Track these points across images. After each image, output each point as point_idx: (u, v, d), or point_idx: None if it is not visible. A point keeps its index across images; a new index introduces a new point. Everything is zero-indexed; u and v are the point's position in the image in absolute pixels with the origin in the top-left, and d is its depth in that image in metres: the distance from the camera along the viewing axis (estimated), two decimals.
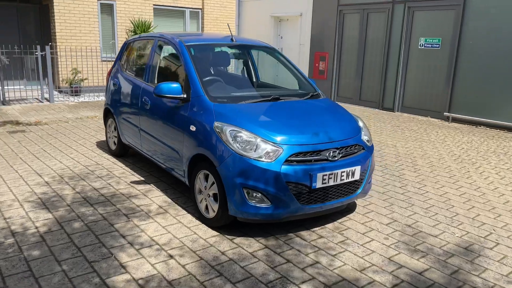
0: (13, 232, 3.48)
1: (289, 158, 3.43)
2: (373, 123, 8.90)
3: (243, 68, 5.23)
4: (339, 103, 11.32)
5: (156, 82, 4.67)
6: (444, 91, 9.40)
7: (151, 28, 12.15)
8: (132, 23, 11.94)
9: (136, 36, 5.63)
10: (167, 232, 3.60)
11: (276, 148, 3.43)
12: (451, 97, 9.29)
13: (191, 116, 3.89)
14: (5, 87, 10.49)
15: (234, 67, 7.60)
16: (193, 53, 4.29)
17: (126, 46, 5.63)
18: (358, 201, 4.51)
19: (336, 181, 3.60)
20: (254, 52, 5.34)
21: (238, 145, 3.45)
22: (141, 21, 11.96)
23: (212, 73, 4.67)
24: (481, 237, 3.81)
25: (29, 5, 11.83)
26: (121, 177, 4.93)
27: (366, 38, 10.83)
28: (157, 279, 2.91)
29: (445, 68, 9.34)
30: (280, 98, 4.19)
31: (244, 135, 3.48)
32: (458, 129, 8.58)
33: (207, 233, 3.62)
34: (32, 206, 4.00)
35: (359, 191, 3.88)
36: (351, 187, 3.81)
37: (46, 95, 10.53)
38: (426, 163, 6.06)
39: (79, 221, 3.73)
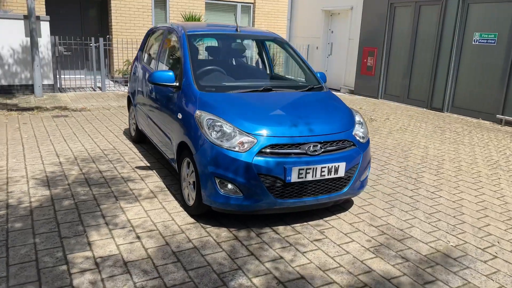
0: (8, 205, 3.76)
1: (263, 150, 3.35)
2: (413, 123, 8.40)
3: (246, 58, 5.18)
4: (386, 101, 10.85)
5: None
6: (498, 91, 8.61)
7: (202, 22, 12.44)
8: (183, 17, 12.31)
9: (154, 26, 5.81)
10: (146, 216, 3.69)
11: (250, 138, 3.37)
12: (506, 98, 8.49)
13: (180, 104, 3.94)
14: (65, 76, 11.34)
15: (247, 57, 7.50)
16: (192, 43, 4.33)
17: (147, 36, 5.84)
18: (356, 201, 4.30)
19: (315, 176, 3.46)
20: (265, 43, 5.26)
21: (213, 134, 3.43)
22: (191, 15, 12.28)
23: (214, 62, 4.67)
24: (479, 248, 3.46)
25: (91, 0, 12.64)
26: (129, 161, 5.13)
27: (417, 33, 10.22)
28: (115, 259, 2.99)
29: (500, 66, 8.55)
30: (273, 89, 4.10)
31: (221, 124, 3.46)
32: (509, 133, 7.83)
33: (184, 220, 3.66)
34: (36, 183, 4.30)
35: (345, 189, 3.69)
36: (336, 185, 3.64)
37: (99, 84, 11.21)
38: (453, 167, 5.61)
39: (71, 199, 3.94)
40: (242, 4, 13.67)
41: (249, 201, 3.38)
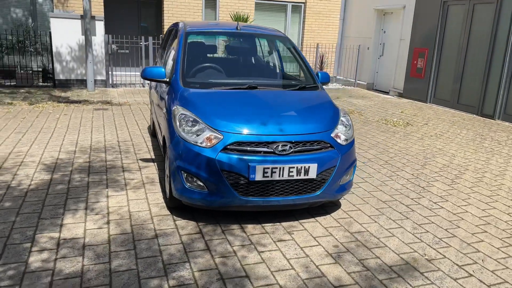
0: (9, 186, 4.14)
1: (228, 146, 3.36)
2: (453, 130, 7.85)
3: (248, 55, 5.16)
4: (434, 106, 10.22)
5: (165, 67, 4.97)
6: None
7: (249, 22, 12.59)
8: (231, 17, 12.55)
9: (173, 24, 6.00)
10: (126, 205, 3.86)
11: (217, 135, 3.40)
12: None
13: (167, 100, 4.06)
14: (118, 73, 12.08)
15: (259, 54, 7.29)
16: (189, 40, 4.44)
17: (166, 34, 6.06)
18: (345, 205, 4.14)
19: (283, 176, 3.40)
20: (265, 40, 5.22)
21: (183, 129, 3.51)
22: (239, 14, 12.48)
23: (211, 59, 4.71)
24: (456, 264, 3.19)
25: (148, 1, 13.33)
26: (137, 153, 5.37)
27: (470, 33, 9.52)
28: (76, 241, 3.18)
29: None
30: (258, 87, 4.08)
31: (191, 120, 3.53)
32: None
33: (159, 212, 3.77)
34: (42, 168, 4.67)
35: (318, 192, 3.58)
36: (308, 186, 3.54)
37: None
38: (473, 178, 5.18)
39: (65, 184, 4.24)
40: (293, 4, 13.62)
41: (213, 197, 3.41)
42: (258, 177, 3.35)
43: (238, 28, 4.70)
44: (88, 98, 9.34)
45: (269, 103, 3.86)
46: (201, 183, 3.41)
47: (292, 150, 3.44)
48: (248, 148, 3.38)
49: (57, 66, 10.48)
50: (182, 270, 2.91)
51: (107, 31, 12.32)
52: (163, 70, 4.17)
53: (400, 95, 11.74)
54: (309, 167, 3.45)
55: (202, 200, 3.44)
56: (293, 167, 3.41)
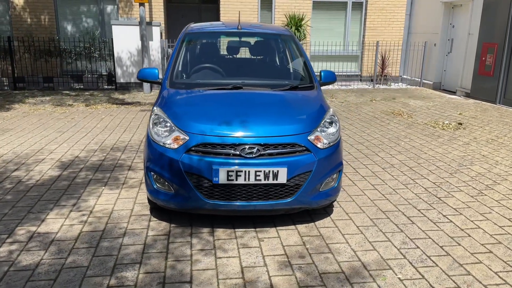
0: (19, 180, 4.49)
1: (193, 148, 3.30)
2: (506, 131, 6.94)
3: (247, 55, 4.99)
4: (504, 107, 9.13)
5: None
6: None
7: (304, 22, 12.35)
8: (286, 17, 12.40)
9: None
10: (112, 204, 3.97)
11: (184, 136, 3.35)
12: None
13: (156, 101, 4.11)
14: None
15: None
16: (188, 41, 4.44)
17: None
18: (336, 213, 3.84)
19: (248, 180, 3.25)
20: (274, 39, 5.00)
21: (155, 129, 3.51)
22: (294, 15, 12.29)
23: (207, 59, 4.64)
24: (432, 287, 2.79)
25: (209, 5, 13.70)
26: None
27: None
28: (47, 236, 3.34)
29: None
30: (243, 87, 3.94)
31: (162, 120, 3.52)
32: None
33: (141, 211, 3.82)
34: (57, 165, 4.99)
35: (291, 198, 3.36)
36: (280, 192, 3.35)
37: None
38: (507, 190, 4.52)
39: (68, 181, 4.49)
40: (354, 1, 13.07)
41: (179, 199, 3.37)
42: (222, 180, 3.24)
43: (239, 27, 4.60)
44: (141, 100, 9.84)
45: (247, 104, 3.71)
46: (168, 185, 3.39)
47: (260, 153, 3.28)
48: (213, 150, 3.28)
49: (118, 70, 11.21)
50: (129, 271, 2.91)
51: (170, 36, 12.90)
52: (156, 71, 4.23)
53: (468, 95, 10.68)
54: (278, 171, 3.26)
55: (168, 201, 3.42)
56: (260, 171, 3.24)
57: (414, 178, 4.82)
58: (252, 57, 5.01)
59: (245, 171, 3.23)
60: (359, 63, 13.53)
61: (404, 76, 13.61)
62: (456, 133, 6.97)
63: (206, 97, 3.86)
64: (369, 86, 12.82)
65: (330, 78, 4.39)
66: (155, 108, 3.73)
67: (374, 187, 4.55)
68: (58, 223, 3.57)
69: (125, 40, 11.04)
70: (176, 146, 3.34)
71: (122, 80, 11.32)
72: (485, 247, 3.34)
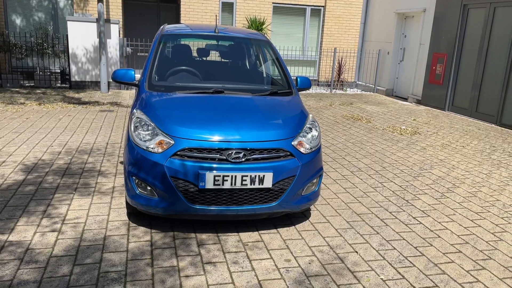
0: None
1: (179, 152, 3.26)
2: (464, 140, 7.42)
3: (223, 59, 5.03)
4: (452, 114, 9.74)
5: None
6: None
7: (265, 26, 12.48)
8: (247, 20, 12.47)
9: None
10: (86, 209, 3.82)
11: (169, 140, 3.30)
12: None
13: (133, 103, 4.01)
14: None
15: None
16: (164, 43, 4.38)
17: None
18: (314, 216, 3.94)
19: (235, 185, 3.26)
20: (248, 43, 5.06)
21: (137, 133, 3.44)
22: (256, 18, 12.40)
23: (183, 62, 4.60)
24: (413, 287, 2.94)
25: (168, 4, 13.48)
26: (120, 156, 5.36)
27: (490, 38, 9.01)
28: (21, 245, 3.16)
29: None
30: (225, 92, 3.95)
31: (145, 124, 3.45)
32: None
33: (117, 218, 3.71)
34: (21, 168, 4.73)
35: (275, 202, 3.41)
36: (264, 196, 3.39)
37: None
38: (467, 192, 4.84)
39: (35, 185, 4.26)
40: (312, 7, 13.39)
41: (163, 204, 3.32)
42: (209, 185, 3.23)
43: (216, 31, 4.60)
44: (99, 100, 9.50)
45: (231, 109, 3.73)
46: (151, 190, 3.32)
47: (246, 157, 3.30)
48: (199, 155, 3.26)
49: (73, 68, 10.74)
50: (115, 284, 2.82)
51: (127, 34, 12.56)
52: (133, 72, 4.13)
53: (419, 102, 11.28)
54: (264, 176, 3.29)
55: (152, 207, 3.35)
56: (247, 176, 3.26)
57: (382, 182, 5.04)
58: (229, 61, 5.01)
59: (232, 176, 3.24)
60: (317, 68, 13.88)
61: (359, 82, 14.13)
62: (413, 138, 7.35)
63: (188, 100, 3.81)
64: (326, 91, 13.17)
65: (306, 84, 4.49)
66: (135, 111, 3.64)
67: (346, 190, 4.70)
68: (30, 231, 3.38)
69: (81, 37, 10.61)
70: (160, 151, 3.28)
71: (77, 78, 10.87)
72: (454, 247, 3.56)
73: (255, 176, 3.28)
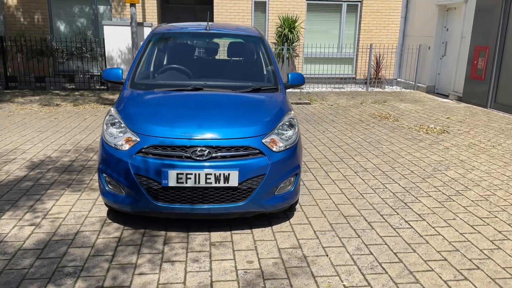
0: None
1: (144, 150, 3.25)
2: (496, 140, 6.83)
3: (214, 56, 4.93)
4: (495, 112, 9.01)
5: None
6: None
7: (298, 23, 12.29)
8: (279, 19, 12.35)
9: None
10: (70, 205, 3.93)
11: (135, 138, 3.31)
12: None
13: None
14: None
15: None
16: (152, 41, 4.40)
17: None
18: (297, 217, 3.78)
19: (199, 183, 3.20)
20: (238, 40, 4.92)
21: (109, 131, 3.47)
22: (288, 16, 12.23)
23: (172, 60, 4.58)
24: None
25: (203, 6, 13.68)
26: None
27: None
28: None
29: None
30: (204, 89, 3.89)
31: (115, 122, 3.48)
32: None
33: (96, 214, 3.77)
34: (26, 165, 4.97)
35: (243, 202, 3.31)
36: (232, 195, 3.29)
37: None
38: (478, 196, 4.43)
39: (32, 182, 4.45)
40: (348, 3, 12.98)
41: (129, 201, 3.33)
42: (172, 183, 3.19)
43: (208, 28, 4.55)
44: None
45: (204, 106, 3.66)
46: (118, 187, 3.35)
47: (211, 155, 3.22)
48: (163, 152, 3.24)
49: None
50: (68, 279, 2.87)
51: None
52: (120, 71, 4.20)
53: (460, 99, 10.55)
54: (229, 174, 3.20)
55: (120, 204, 3.38)
56: (211, 174, 3.19)
57: (385, 183, 4.74)
58: (218, 58, 4.96)
59: (195, 174, 3.18)
60: (354, 66, 13.44)
61: (399, 79, 13.50)
62: (440, 137, 6.87)
63: (163, 98, 3.81)
64: (363, 88, 12.72)
65: (298, 80, 4.33)
66: (112, 109, 3.69)
67: (342, 191, 4.47)
68: (10, 225, 3.53)
69: (116, 40, 11.04)
70: (127, 148, 3.30)
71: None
72: (440, 254, 3.25)
73: (220, 174, 3.20)
